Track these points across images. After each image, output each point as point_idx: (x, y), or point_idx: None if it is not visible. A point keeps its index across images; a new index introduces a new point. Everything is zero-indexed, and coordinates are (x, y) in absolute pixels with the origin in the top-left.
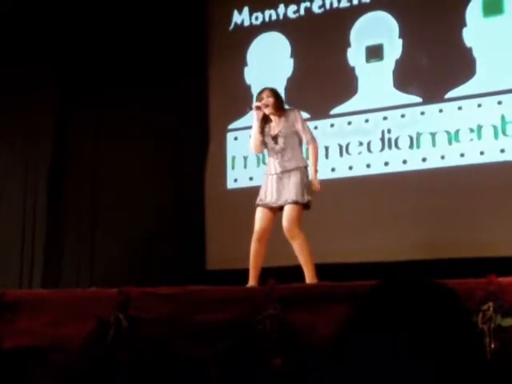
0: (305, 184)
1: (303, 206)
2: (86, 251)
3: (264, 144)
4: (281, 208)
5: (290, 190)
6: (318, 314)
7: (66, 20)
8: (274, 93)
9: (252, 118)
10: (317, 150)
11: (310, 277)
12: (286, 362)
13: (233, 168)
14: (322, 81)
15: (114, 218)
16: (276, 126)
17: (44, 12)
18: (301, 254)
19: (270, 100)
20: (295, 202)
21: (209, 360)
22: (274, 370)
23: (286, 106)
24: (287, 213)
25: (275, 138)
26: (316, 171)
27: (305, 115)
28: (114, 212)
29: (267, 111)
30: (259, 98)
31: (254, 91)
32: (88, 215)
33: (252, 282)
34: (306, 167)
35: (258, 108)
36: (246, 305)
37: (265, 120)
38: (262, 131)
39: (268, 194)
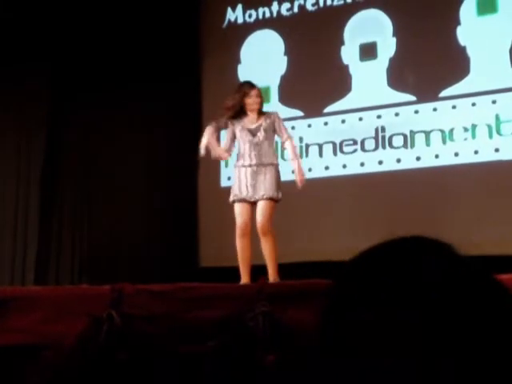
0: (279, 181)
1: (276, 202)
2: (79, 247)
3: (234, 139)
4: (255, 202)
5: (267, 186)
6: (309, 310)
7: (60, 17)
8: (261, 94)
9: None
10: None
11: (274, 274)
12: (279, 358)
13: (226, 166)
14: (316, 79)
15: (106, 215)
16: (253, 121)
17: (40, 11)
18: (271, 250)
19: (258, 100)
20: (271, 198)
21: (202, 357)
22: (267, 366)
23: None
24: (263, 209)
25: (253, 131)
26: (300, 163)
27: (298, 113)
28: (107, 210)
29: (255, 107)
30: (249, 94)
31: None
32: (81, 212)
33: (245, 278)
34: (278, 165)
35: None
36: (238, 302)
37: (237, 114)
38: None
39: (243, 189)
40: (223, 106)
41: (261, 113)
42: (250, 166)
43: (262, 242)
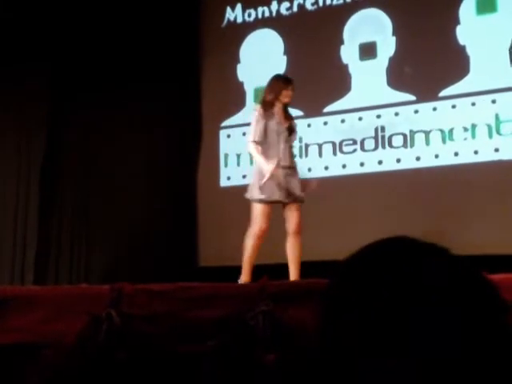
0: None
1: None
2: (79, 248)
3: (265, 132)
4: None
5: (299, 188)
6: (311, 310)
7: (60, 17)
8: None
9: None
10: None
11: (297, 274)
12: (279, 358)
13: (226, 166)
14: (316, 78)
15: (106, 216)
16: (283, 119)
17: (40, 11)
18: (298, 250)
19: (292, 94)
20: (302, 201)
21: (201, 356)
22: (267, 366)
23: None
24: (298, 210)
25: (289, 129)
26: None
27: (298, 113)
28: (107, 210)
29: (288, 100)
30: (287, 88)
31: (247, 88)
32: (81, 213)
33: (246, 277)
34: None
35: None
36: (239, 301)
37: (271, 105)
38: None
39: (276, 191)
40: (264, 101)
41: (286, 110)
42: (284, 168)
43: (290, 243)
